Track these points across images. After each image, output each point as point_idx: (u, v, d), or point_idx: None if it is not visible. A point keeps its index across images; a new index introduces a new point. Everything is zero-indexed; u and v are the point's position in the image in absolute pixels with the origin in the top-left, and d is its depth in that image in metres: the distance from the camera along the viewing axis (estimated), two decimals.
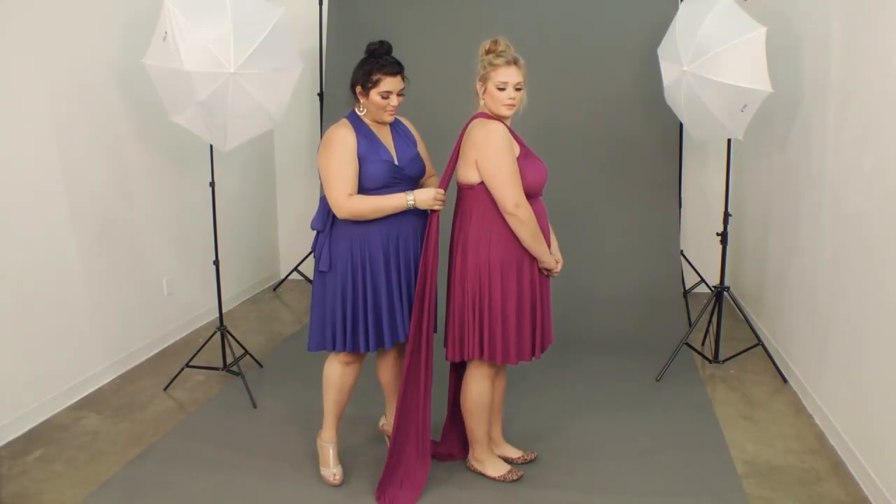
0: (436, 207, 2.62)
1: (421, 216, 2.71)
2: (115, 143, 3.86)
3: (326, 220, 2.68)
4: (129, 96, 3.93)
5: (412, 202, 2.60)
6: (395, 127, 2.76)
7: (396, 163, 2.65)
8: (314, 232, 2.75)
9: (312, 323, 2.76)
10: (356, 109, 2.69)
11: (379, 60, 2.60)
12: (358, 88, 2.64)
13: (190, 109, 3.23)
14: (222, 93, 3.13)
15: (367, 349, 2.71)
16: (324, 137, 2.64)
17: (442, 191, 2.63)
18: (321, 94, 5.15)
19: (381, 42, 2.62)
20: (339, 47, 4.83)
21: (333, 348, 2.73)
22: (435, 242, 2.62)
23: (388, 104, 2.62)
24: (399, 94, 2.63)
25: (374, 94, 2.60)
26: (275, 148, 5.78)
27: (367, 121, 2.68)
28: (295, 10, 5.13)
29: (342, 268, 2.65)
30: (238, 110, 3.22)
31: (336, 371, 2.80)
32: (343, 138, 2.59)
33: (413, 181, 2.72)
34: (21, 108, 3.26)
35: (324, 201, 2.68)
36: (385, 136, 2.70)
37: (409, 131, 2.80)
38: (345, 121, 2.66)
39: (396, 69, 2.61)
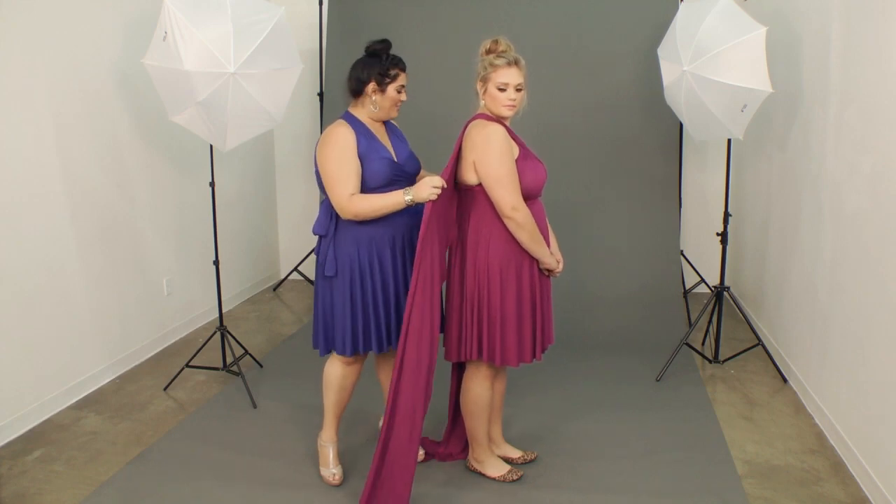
0: (433, 198, 2.50)
1: (419, 216, 2.70)
2: (115, 143, 3.86)
3: (329, 225, 2.66)
4: (129, 96, 3.93)
5: (410, 199, 2.53)
6: (389, 126, 2.80)
7: (396, 160, 2.67)
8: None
9: (316, 327, 2.75)
10: (367, 107, 2.67)
11: (392, 58, 2.67)
12: (372, 86, 2.64)
13: (190, 109, 3.23)
14: (222, 93, 3.13)
15: (380, 349, 2.72)
16: (322, 137, 2.63)
17: (440, 178, 2.51)
18: (321, 94, 5.15)
19: (384, 41, 2.67)
20: (339, 47, 4.83)
21: (343, 352, 2.71)
22: (427, 236, 2.48)
23: (401, 98, 2.69)
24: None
25: (392, 89, 2.65)
26: (275, 148, 5.78)
27: (363, 120, 2.68)
28: (295, 10, 5.15)
29: (349, 271, 2.64)
30: (238, 110, 3.22)
31: (337, 371, 2.80)
32: (343, 137, 2.58)
33: (412, 178, 2.74)
34: (21, 109, 3.25)
35: (324, 206, 2.68)
36: (382, 135, 2.72)
37: (400, 130, 2.85)
38: (342, 121, 2.65)
39: (405, 65, 2.70)
